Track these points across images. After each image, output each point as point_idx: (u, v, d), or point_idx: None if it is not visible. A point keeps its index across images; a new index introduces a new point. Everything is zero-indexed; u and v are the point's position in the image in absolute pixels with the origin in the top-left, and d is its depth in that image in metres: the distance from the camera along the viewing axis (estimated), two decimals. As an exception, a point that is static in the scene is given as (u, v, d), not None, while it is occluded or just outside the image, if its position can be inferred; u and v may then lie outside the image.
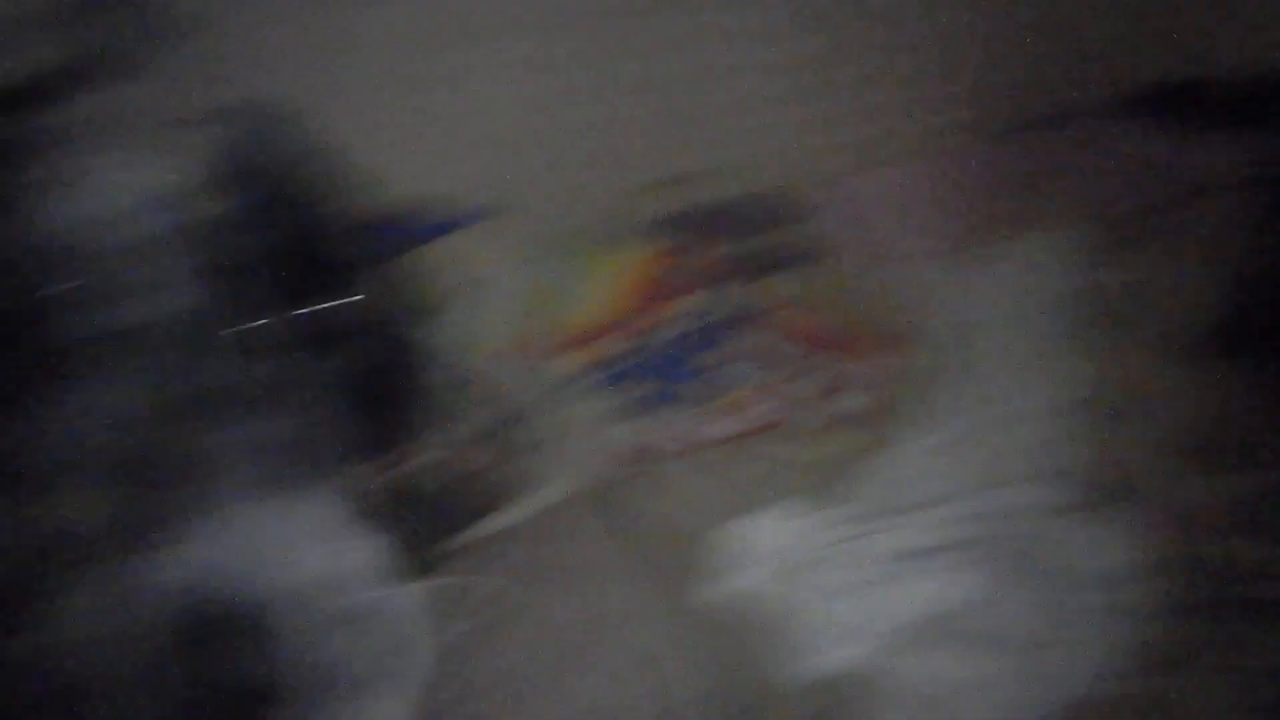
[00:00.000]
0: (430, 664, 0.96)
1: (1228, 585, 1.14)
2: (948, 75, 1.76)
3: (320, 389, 0.56)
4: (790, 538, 1.18)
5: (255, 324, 0.66)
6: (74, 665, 0.43)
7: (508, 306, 1.41)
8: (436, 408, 1.19)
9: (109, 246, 0.78)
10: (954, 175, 1.70)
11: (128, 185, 0.91)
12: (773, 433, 1.35)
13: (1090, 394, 1.37)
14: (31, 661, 0.44)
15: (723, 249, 1.56)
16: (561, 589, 1.02)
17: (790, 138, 1.72)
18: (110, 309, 0.50)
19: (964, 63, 1.74)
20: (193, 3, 1.11)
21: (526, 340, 1.41)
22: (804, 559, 1.14)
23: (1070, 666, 1.07)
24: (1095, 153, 1.74)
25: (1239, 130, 1.56)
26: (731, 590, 1.17)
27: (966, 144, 1.79)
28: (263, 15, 1.22)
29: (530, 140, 1.49)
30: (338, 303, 0.98)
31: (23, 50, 0.98)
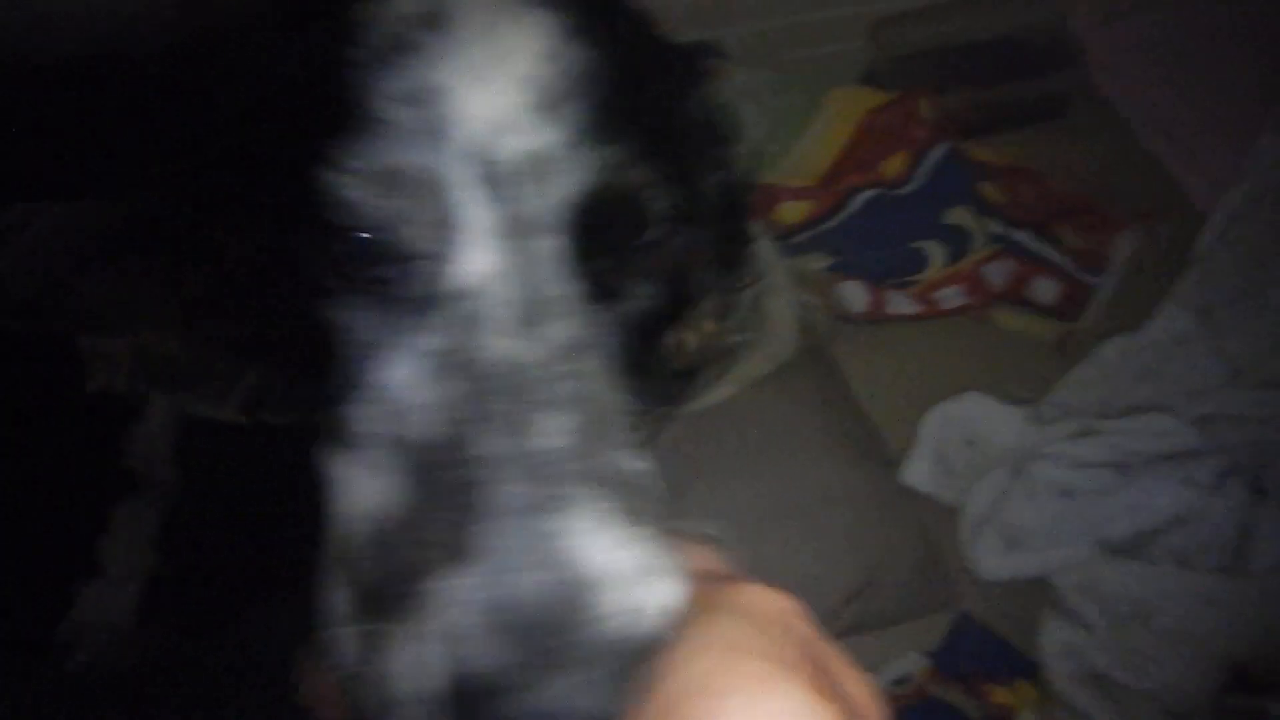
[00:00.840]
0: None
1: None
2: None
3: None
4: (1006, 427, 1.15)
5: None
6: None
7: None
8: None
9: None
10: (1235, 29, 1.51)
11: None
12: (972, 316, 1.29)
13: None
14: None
15: (962, 97, 1.44)
16: (773, 460, 1.04)
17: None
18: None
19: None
20: None
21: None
22: (1020, 452, 1.12)
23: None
24: None
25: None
26: (937, 474, 1.16)
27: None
28: None
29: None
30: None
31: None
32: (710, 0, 1.33)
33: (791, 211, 1.37)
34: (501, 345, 0.45)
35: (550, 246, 0.47)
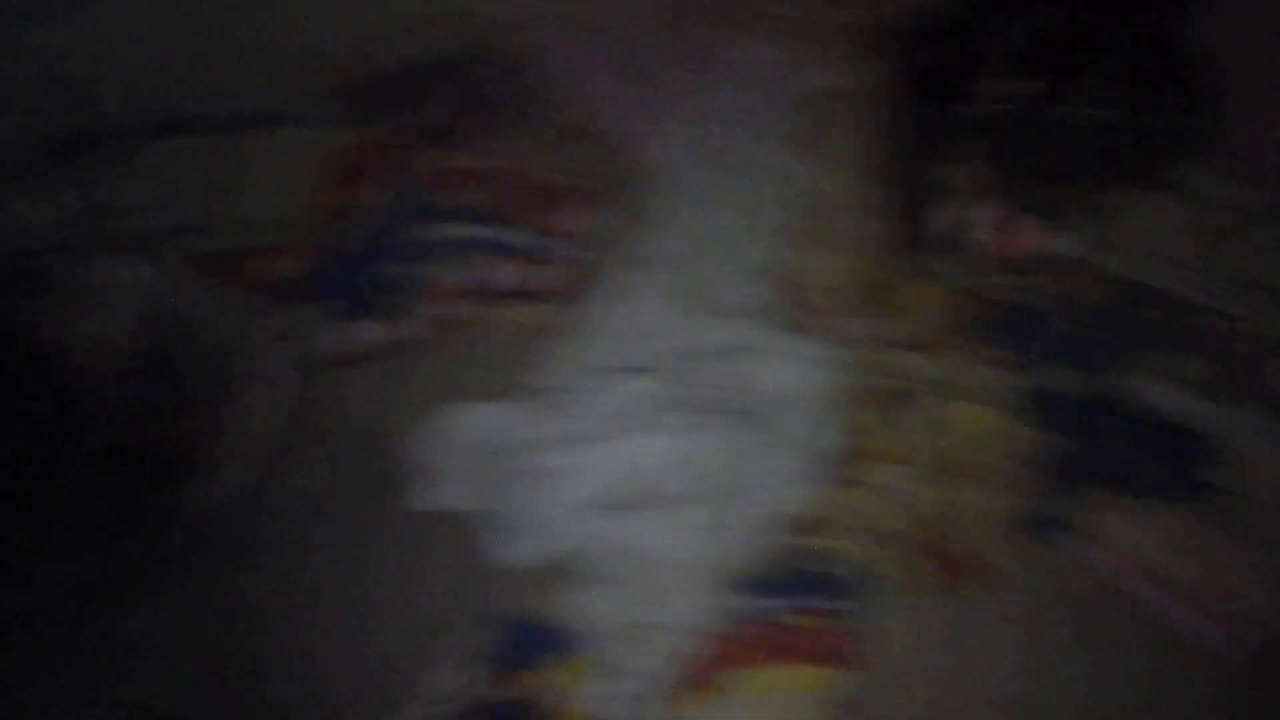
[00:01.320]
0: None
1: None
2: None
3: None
4: (498, 429, 1.22)
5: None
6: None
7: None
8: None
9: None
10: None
11: None
12: (469, 325, 1.36)
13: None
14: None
15: (420, 116, 1.49)
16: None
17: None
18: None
19: None
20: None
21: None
22: (512, 446, 1.19)
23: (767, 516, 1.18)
24: None
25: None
26: (444, 486, 1.22)
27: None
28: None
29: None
30: None
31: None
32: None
33: (286, 266, 1.37)
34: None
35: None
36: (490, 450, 1.19)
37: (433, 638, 1.11)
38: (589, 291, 1.42)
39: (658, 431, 1.19)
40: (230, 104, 1.41)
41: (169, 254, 1.33)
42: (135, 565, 1.14)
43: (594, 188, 1.49)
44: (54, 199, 1.29)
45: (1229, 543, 1.26)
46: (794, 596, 1.11)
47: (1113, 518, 1.27)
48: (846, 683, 1.08)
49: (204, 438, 1.22)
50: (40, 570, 1.12)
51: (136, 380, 1.22)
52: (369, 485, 1.23)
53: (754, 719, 1.04)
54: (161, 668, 1.11)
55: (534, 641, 1.11)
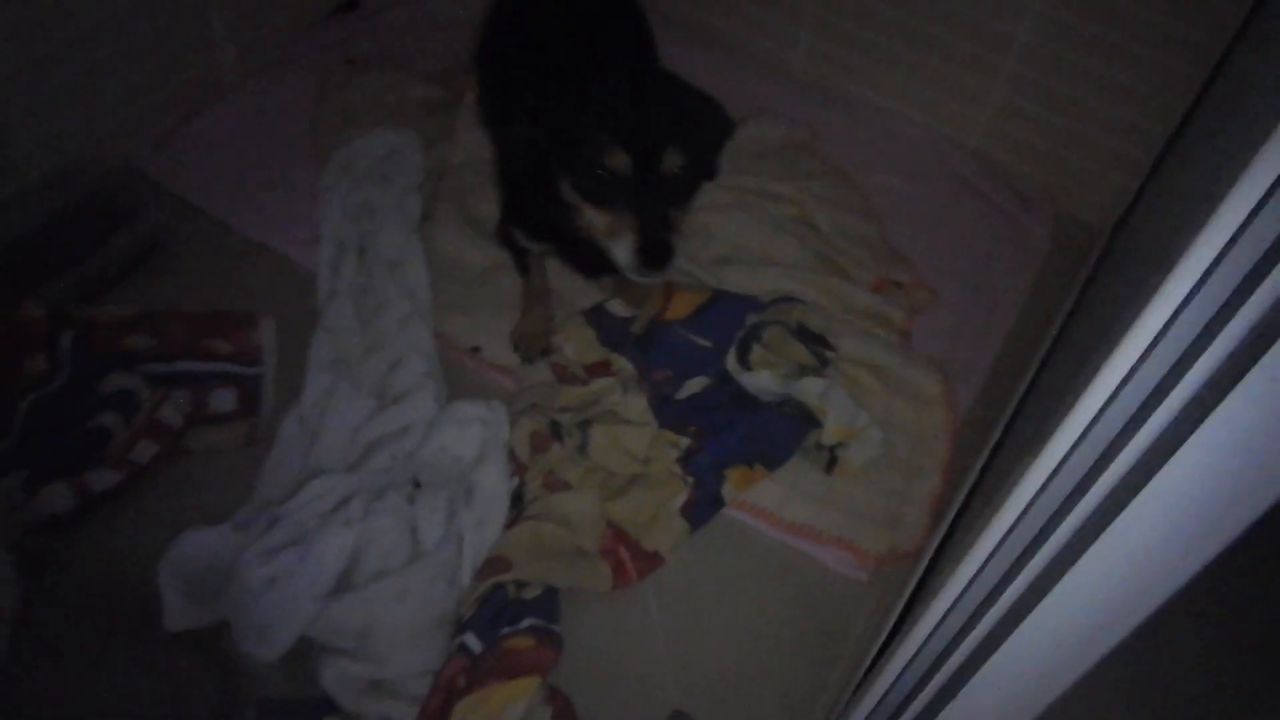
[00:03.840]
0: None
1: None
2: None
3: None
4: (218, 548, 1.35)
5: None
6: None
7: None
8: None
9: None
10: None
11: None
12: (171, 456, 1.47)
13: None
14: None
15: (64, 280, 1.57)
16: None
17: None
18: None
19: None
20: None
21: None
22: (236, 560, 1.33)
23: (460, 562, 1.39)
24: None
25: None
26: (192, 607, 1.34)
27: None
28: None
29: None
30: None
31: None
32: None
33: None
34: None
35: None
36: (219, 567, 1.32)
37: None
38: (272, 403, 1.57)
39: (368, 517, 1.37)
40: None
41: None
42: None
43: (251, 308, 1.63)
44: None
45: (833, 481, 1.59)
46: (501, 626, 1.32)
47: (755, 491, 1.58)
48: (553, 679, 1.31)
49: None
50: None
51: None
52: (116, 626, 1.33)
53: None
54: None
55: (299, 714, 1.26)
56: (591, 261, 1.63)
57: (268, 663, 1.32)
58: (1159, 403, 0.56)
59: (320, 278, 1.67)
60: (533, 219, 1.65)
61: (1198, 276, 0.56)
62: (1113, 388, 0.63)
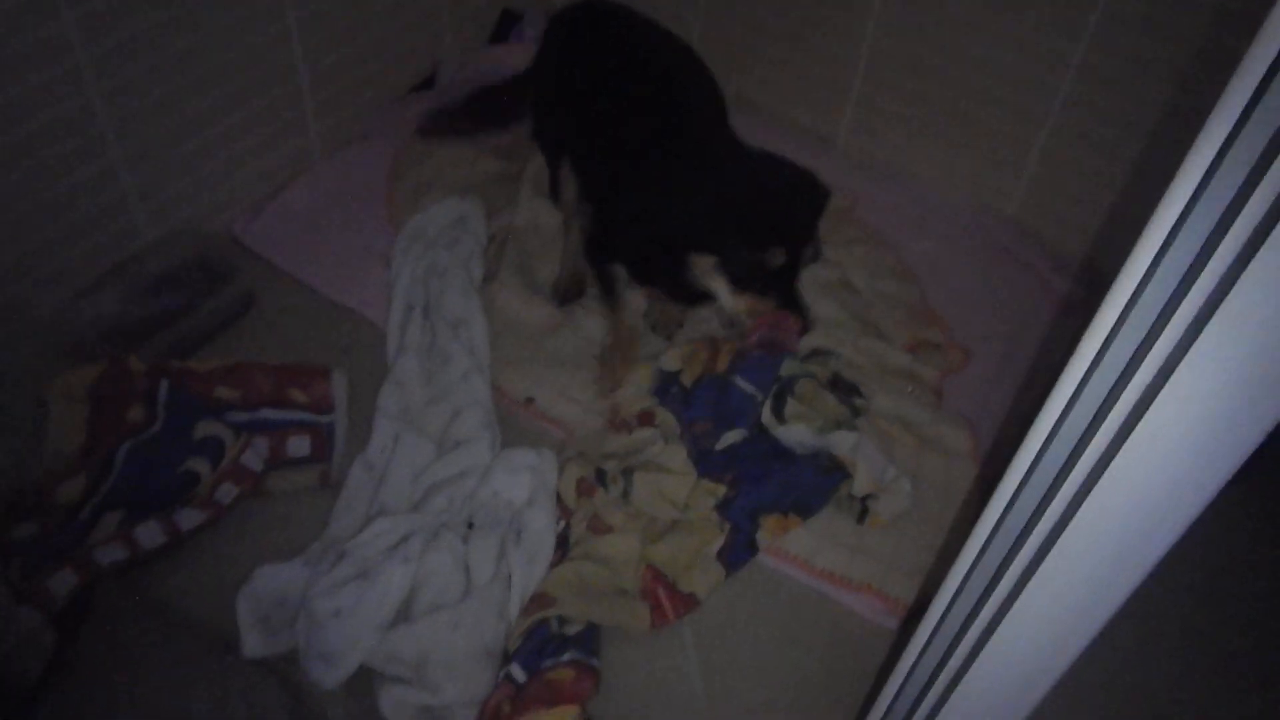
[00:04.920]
0: None
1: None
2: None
3: None
4: (291, 582, 1.49)
5: None
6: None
7: None
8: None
9: None
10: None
11: None
12: (252, 496, 1.62)
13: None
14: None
15: (159, 340, 1.74)
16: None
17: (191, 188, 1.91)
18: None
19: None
20: None
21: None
22: (306, 594, 1.47)
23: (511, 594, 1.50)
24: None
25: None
26: (266, 638, 1.48)
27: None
28: None
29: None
30: None
31: None
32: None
33: (67, 492, 1.58)
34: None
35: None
36: (291, 600, 1.45)
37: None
38: (342, 449, 1.71)
39: (426, 554, 1.49)
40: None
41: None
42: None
43: (326, 362, 1.79)
44: None
45: (864, 531, 1.68)
46: (544, 658, 1.43)
47: (785, 535, 1.67)
48: (591, 711, 1.40)
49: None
50: None
51: None
52: (199, 651, 1.47)
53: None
54: None
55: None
56: (688, 296, 1.78)
57: (332, 688, 1.44)
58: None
59: (390, 335, 1.82)
60: (635, 267, 1.80)
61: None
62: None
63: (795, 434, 1.71)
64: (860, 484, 1.64)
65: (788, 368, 1.78)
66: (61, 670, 1.39)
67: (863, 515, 1.67)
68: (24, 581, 1.45)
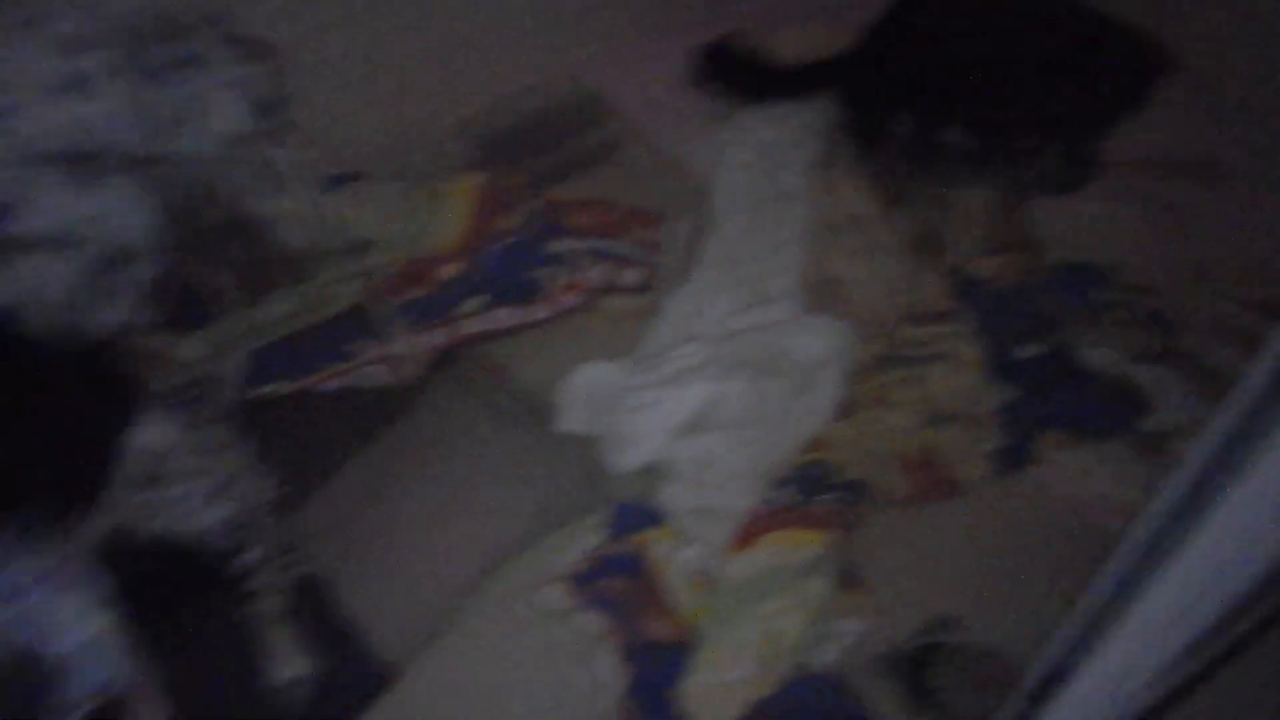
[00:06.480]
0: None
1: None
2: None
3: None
4: (608, 378, 1.73)
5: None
6: None
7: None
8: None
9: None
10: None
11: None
12: (586, 309, 1.87)
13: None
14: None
15: (537, 161, 2.03)
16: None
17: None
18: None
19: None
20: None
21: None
22: (618, 390, 1.70)
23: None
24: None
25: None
26: (576, 416, 1.73)
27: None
28: None
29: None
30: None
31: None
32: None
33: (447, 271, 1.91)
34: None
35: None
36: (606, 393, 1.69)
37: (573, 514, 1.62)
38: (668, 285, 1.92)
39: (722, 380, 1.68)
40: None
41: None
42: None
43: (667, 209, 2.00)
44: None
45: (1152, 470, 1.67)
46: (808, 493, 1.57)
47: (1063, 455, 1.70)
48: (838, 544, 1.53)
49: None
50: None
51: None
52: (520, 417, 1.75)
53: (773, 562, 1.50)
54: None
55: (638, 517, 1.60)
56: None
57: (623, 472, 1.66)
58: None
59: (719, 192, 2.00)
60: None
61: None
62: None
63: (1098, 357, 1.72)
64: (1157, 420, 1.64)
65: (1097, 295, 1.79)
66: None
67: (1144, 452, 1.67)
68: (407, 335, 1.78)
